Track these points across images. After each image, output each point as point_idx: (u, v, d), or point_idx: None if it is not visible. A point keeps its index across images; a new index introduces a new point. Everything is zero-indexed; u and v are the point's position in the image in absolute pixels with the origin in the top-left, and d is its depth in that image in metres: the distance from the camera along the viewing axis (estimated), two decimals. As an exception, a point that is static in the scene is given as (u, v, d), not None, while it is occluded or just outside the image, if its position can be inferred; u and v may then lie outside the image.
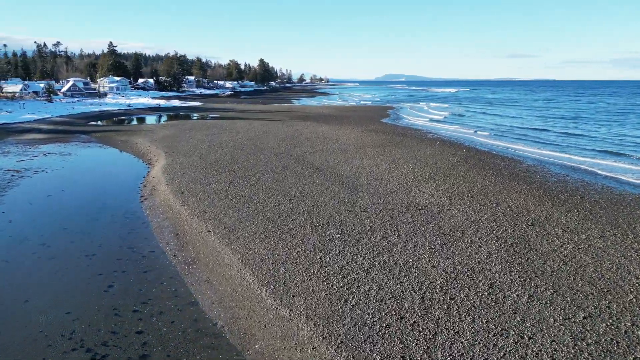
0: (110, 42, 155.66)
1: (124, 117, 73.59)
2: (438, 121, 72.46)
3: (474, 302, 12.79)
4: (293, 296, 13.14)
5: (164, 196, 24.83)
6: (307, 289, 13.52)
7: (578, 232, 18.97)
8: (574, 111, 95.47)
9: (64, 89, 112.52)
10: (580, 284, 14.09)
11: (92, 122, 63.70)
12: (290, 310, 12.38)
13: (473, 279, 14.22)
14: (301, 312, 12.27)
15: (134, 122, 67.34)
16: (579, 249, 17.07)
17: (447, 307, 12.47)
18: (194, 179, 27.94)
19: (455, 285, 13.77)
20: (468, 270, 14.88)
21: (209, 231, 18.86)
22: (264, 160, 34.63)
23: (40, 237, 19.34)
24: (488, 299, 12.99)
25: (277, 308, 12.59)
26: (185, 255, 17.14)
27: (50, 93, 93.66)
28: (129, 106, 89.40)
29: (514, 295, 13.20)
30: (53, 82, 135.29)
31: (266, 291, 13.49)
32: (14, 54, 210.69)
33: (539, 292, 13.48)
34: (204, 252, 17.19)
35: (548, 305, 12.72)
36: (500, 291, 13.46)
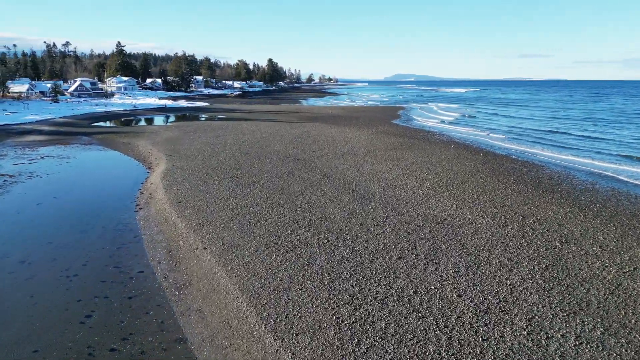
0: (119, 42, 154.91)
1: (128, 118, 72.20)
2: (450, 123, 70.20)
3: (512, 344, 10.76)
4: (297, 334, 11.19)
5: (161, 205, 23.02)
6: (313, 325, 11.57)
7: (619, 251, 16.82)
8: (590, 112, 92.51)
9: (71, 89, 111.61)
10: (633, 320, 12.00)
11: (96, 123, 62.27)
12: (293, 353, 10.43)
13: (507, 313, 12.18)
14: (306, 356, 10.31)
15: (138, 123, 65.87)
16: (624, 273, 14.95)
17: (480, 352, 10.45)
18: (194, 186, 26.11)
19: (487, 322, 11.73)
20: (500, 301, 12.83)
21: (205, 248, 16.98)
22: (269, 165, 32.75)
23: (21, 253, 17.58)
24: (528, 340, 10.94)
25: (277, 350, 10.65)
26: (176, 277, 15.27)
27: (56, 93, 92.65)
28: (134, 106, 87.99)
29: (559, 336, 11.14)
30: (61, 82, 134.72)
31: (265, 327, 11.55)
32: (24, 54, 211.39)
33: (587, 330, 11.41)
34: (198, 273, 15.31)
35: (600, 349, 10.66)
36: (541, 329, 11.40)
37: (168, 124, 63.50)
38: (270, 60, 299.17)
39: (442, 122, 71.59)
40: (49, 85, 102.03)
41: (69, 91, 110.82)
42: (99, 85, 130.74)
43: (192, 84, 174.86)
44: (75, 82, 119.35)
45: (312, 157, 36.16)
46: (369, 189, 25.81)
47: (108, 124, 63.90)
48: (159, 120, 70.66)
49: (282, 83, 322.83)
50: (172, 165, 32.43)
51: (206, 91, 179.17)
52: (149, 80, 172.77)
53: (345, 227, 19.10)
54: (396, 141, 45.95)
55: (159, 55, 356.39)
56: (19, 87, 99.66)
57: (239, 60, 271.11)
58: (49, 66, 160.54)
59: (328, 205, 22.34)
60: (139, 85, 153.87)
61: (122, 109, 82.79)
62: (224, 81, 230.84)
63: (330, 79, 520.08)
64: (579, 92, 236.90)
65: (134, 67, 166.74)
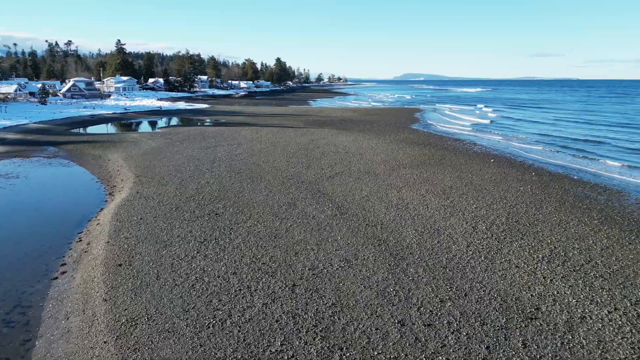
0: (118, 40, 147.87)
1: (114, 123, 64.55)
2: (475, 128, 61.93)
3: None
4: None
5: (91, 270, 15.27)
6: None
7: None
8: (624, 116, 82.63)
9: (64, 89, 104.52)
10: None
11: (74, 130, 54.51)
12: None
13: None
14: None
15: (123, 130, 58.14)
16: None
17: None
18: (152, 232, 18.35)
19: None
20: None
21: (121, 395, 9.18)
22: (265, 191, 24.95)
23: None
24: None
25: None
26: None
27: (44, 94, 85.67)
28: (126, 109, 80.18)
29: None
30: (57, 82, 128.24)
31: None
32: (23, 54, 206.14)
33: None
34: None
35: None
36: None
37: (156, 130, 55.89)
38: (278, 60, 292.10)
39: (466, 127, 63.50)
40: (39, 85, 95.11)
41: (61, 92, 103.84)
42: (96, 85, 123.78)
43: (196, 84, 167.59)
44: (68, 82, 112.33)
45: (320, 177, 28.35)
46: (401, 237, 17.91)
47: (87, 130, 56.07)
48: (147, 125, 62.80)
49: (290, 83, 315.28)
50: (136, 192, 24.74)
51: (211, 91, 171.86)
52: (151, 80, 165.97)
53: (376, 334, 11.19)
54: (422, 153, 38.00)
55: (166, 55, 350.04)
56: (6, 88, 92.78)
57: (246, 60, 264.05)
58: (48, 66, 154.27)
59: (344, 275, 14.47)
60: (139, 86, 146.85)
61: (111, 112, 75.00)
62: (230, 81, 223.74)
63: (339, 79, 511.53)
64: (598, 91, 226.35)
65: (135, 66, 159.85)
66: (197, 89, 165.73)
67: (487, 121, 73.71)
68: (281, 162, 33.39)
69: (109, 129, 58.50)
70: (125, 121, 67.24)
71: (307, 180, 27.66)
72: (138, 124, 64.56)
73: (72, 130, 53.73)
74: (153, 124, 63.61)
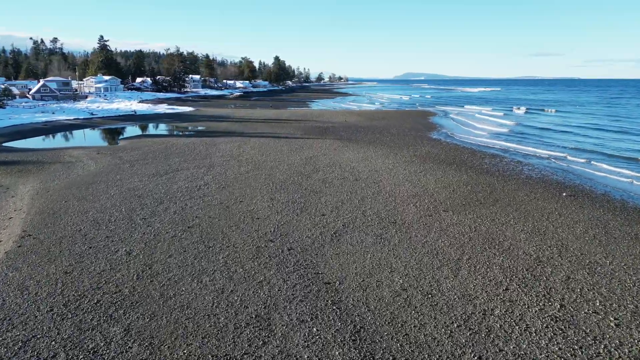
0: (101, 37, 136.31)
1: (65, 132, 52.90)
2: (503, 137, 50.88)
3: None
4: None
5: None
6: None
7: None
8: (660, 122, 70.91)
9: (33, 90, 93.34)
10: None
11: (7, 143, 42.39)
12: None
13: None
14: None
15: (69, 142, 46.31)
16: None
17: None
18: None
19: None
20: None
21: None
22: (221, 276, 14.06)
23: None
24: None
25: None
26: None
27: (4, 96, 74.80)
28: (92, 114, 68.64)
29: None
30: (34, 82, 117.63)
31: None
32: (4, 51, 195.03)
33: None
34: None
35: None
36: None
37: (111, 143, 44.74)
38: (277, 58, 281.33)
39: (495, 135, 52.74)
40: (3, 86, 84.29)
41: (30, 93, 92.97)
42: (74, 85, 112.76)
43: (188, 84, 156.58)
44: (38, 82, 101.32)
45: (319, 236, 17.50)
46: None
47: (24, 143, 43.49)
48: (103, 136, 50.80)
49: (290, 82, 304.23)
50: (-11, 281, 13.83)
51: (203, 92, 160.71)
52: (139, 79, 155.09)
53: None
54: (460, 180, 27.22)
55: (163, 54, 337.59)
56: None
57: (242, 58, 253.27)
58: (27, 64, 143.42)
59: None
60: (124, 86, 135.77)
61: (72, 118, 63.44)
62: (225, 81, 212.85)
63: (340, 78, 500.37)
64: (608, 91, 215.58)
65: (121, 65, 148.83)
66: (188, 89, 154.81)
67: (514, 126, 62.75)
68: (262, 202, 22.49)
69: (52, 141, 46.77)
70: (82, 130, 55.33)
71: (298, 245, 16.80)
72: (94, 134, 52.76)
73: (5, 144, 42.38)
74: (112, 135, 51.73)
